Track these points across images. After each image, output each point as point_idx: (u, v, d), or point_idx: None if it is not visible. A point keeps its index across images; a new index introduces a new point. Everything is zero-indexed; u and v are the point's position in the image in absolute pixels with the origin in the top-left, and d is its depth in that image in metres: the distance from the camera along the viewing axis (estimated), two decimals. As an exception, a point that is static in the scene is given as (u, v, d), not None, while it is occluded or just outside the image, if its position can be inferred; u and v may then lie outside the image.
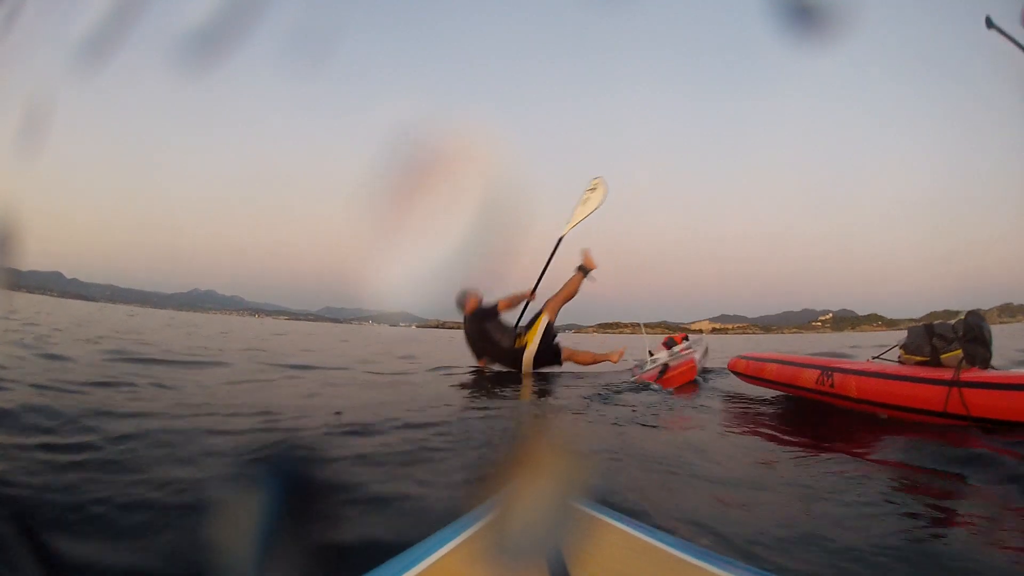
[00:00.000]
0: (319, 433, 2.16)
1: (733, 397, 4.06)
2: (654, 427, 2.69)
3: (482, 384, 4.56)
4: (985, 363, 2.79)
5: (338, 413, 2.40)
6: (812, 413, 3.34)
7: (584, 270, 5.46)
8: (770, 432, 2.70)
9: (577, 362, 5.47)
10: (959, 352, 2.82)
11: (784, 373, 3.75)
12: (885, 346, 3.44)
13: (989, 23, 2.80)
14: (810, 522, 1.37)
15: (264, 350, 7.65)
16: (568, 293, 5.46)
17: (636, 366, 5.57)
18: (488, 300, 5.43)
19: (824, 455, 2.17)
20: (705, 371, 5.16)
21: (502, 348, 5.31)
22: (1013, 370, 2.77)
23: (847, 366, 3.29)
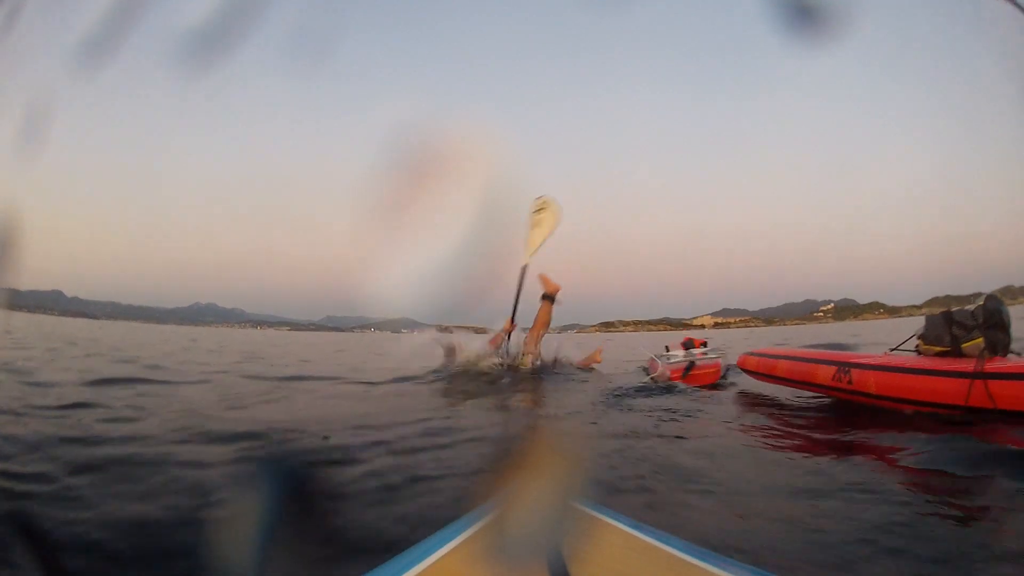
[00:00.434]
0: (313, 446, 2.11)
1: (749, 395, 3.97)
2: (669, 429, 2.63)
3: (492, 386, 4.58)
4: (1005, 349, 2.67)
5: (326, 438, 2.29)
6: (829, 410, 3.20)
7: (548, 297, 5.53)
8: (787, 433, 2.60)
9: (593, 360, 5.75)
10: (980, 340, 2.68)
11: (798, 370, 3.61)
12: (898, 338, 3.30)
13: None
14: (825, 531, 1.30)
15: (262, 358, 7.66)
16: (541, 324, 5.53)
17: (652, 359, 5.66)
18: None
19: (842, 457, 2.06)
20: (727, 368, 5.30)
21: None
22: None
23: (864, 361, 3.14)
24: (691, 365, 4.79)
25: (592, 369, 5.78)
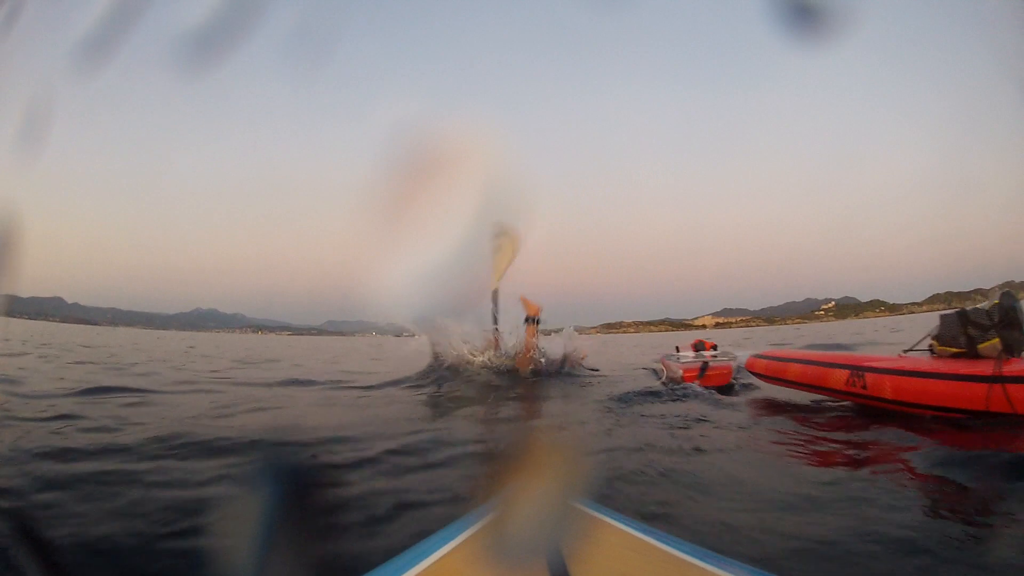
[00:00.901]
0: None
1: (763, 400, 3.89)
2: (686, 441, 2.57)
3: (494, 391, 4.59)
4: (1021, 347, 2.60)
5: (313, 456, 2.22)
6: (846, 414, 3.11)
7: (530, 319, 5.74)
8: (804, 440, 2.52)
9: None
10: (996, 341, 2.60)
11: (809, 374, 3.50)
12: (901, 337, 3.29)
13: None
14: (837, 541, 1.27)
15: (255, 363, 7.64)
16: (528, 348, 5.73)
17: (664, 359, 5.89)
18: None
19: (861, 467, 2.00)
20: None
21: None
22: None
23: (879, 364, 3.04)
24: (705, 366, 4.87)
25: (583, 366, 5.87)
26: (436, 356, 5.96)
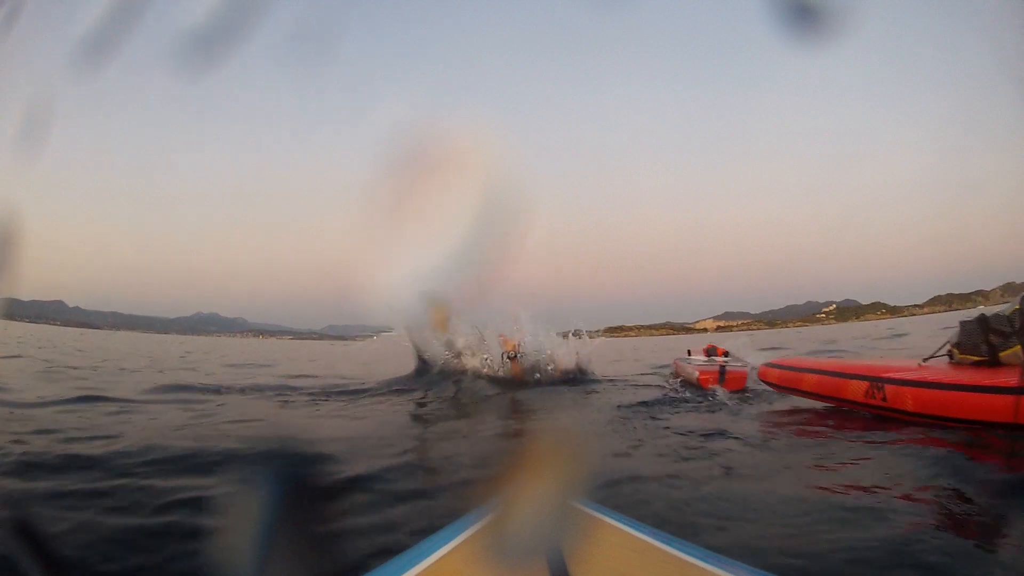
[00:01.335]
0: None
1: (775, 407, 3.84)
2: (715, 458, 2.50)
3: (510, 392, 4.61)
4: None
5: (313, 459, 2.22)
6: (860, 424, 3.01)
7: (510, 355, 5.98)
8: (818, 449, 2.47)
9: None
10: (1019, 348, 2.55)
11: (826, 385, 3.41)
12: (902, 341, 3.24)
13: None
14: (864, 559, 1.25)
15: (248, 367, 7.60)
16: (518, 379, 5.96)
17: (677, 361, 6.10)
18: None
19: (878, 481, 1.94)
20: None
21: None
22: None
23: (898, 375, 2.95)
24: (723, 370, 4.97)
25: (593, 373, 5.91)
26: (422, 360, 5.95)
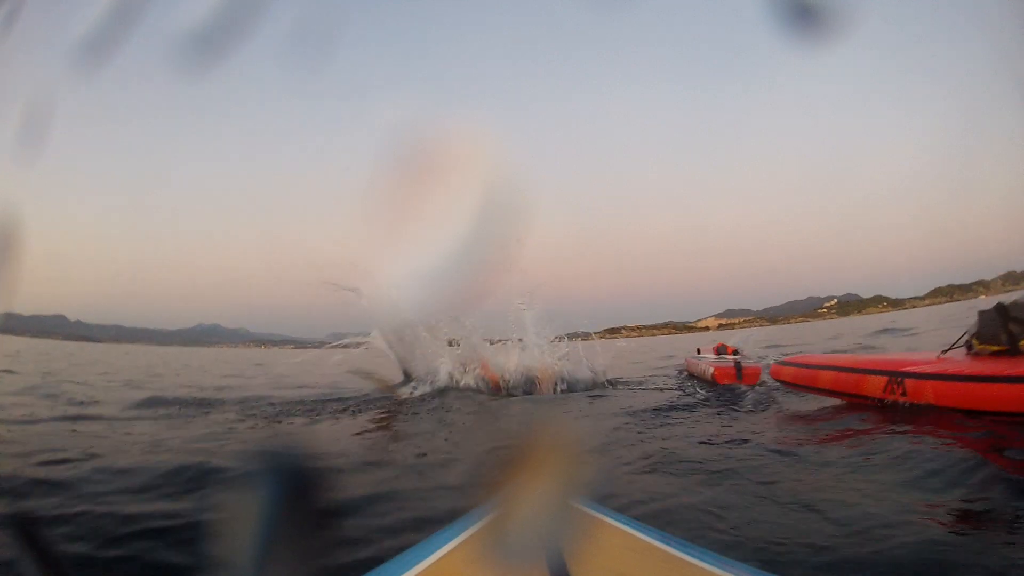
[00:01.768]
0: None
1: (791, 404, 3.79)
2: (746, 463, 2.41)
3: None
4: None
5: (313, 460, 2.14)
6: (882, 421, 2.88)
7: (495, 384, 6.15)
8: (840, 444, 2.43)
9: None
10: None
11: (843, 381, 3.35)
12: (907, 336, 3.18)
13: None
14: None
15: (240, 377, 7.52)
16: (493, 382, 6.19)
17: (688, 359, 6.37)
18: None
19: (905, 482, 1.88)
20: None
21: None
22: None
23: (918, 369, 2.89)
24: (740, 366, 5.13)
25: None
26: (407, 374, 5.85)
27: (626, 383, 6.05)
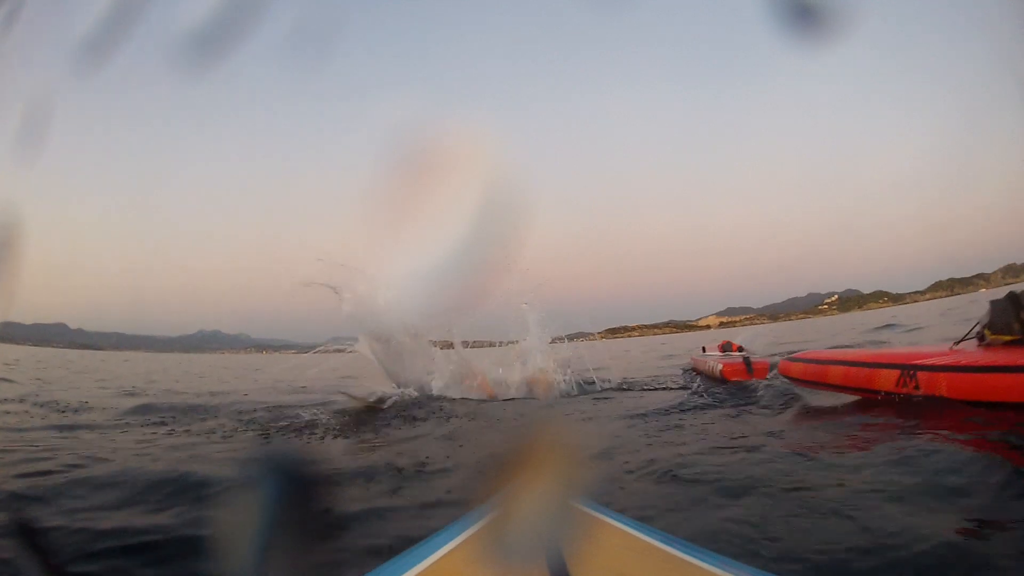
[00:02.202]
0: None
1: (800, 400, 3.75)
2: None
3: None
4: None
5: (312, 460, 2.13)
6: (895, 415, 2.84)
7: (492, 396, 6.22)
8: (858, 444, 2.39)
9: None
10: None
11: (854, 376, 3.28)
12: (910, 332, 3.15)
13: None
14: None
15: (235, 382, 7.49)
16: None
17: (694, 356, 6.45)
18: None
19: (925, 480, 1.84)
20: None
21: None
22: None
23: (931, 361, 2.83)
24: (748, 361, 5.13)
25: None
26: (398, 384, 5.56)
27: (631, 383, 6.02)
